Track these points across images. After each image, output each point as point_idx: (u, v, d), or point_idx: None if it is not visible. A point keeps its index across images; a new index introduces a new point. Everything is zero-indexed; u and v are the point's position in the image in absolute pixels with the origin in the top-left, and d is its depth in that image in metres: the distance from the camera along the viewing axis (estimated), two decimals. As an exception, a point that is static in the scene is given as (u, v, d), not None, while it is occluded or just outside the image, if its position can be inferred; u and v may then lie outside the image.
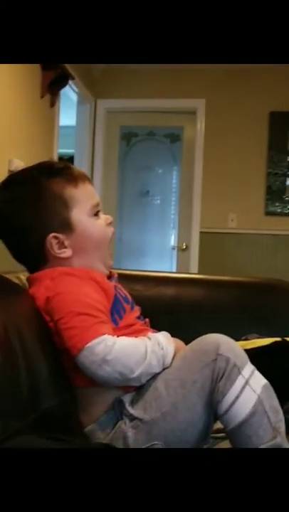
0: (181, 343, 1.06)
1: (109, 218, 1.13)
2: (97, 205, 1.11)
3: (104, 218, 1.12)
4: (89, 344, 0.92)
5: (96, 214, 1.10)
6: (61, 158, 3.86)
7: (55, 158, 3.49)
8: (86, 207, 1.08)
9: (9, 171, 2.68)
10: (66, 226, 1.06)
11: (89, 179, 1.12)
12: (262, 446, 0.89)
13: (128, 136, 4.45)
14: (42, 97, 3.19)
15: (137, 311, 1.14)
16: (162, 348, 0.99)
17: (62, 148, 3.71)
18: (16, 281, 1.20)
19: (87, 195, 1.09)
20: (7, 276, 1.12)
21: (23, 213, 1.05)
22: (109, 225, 1.13)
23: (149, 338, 1.00)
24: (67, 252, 1.06)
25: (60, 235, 1.05)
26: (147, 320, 1.15)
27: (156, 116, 4.39)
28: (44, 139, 3.36)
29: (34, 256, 1.08)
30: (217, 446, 1.02)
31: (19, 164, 2.69)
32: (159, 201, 4.45)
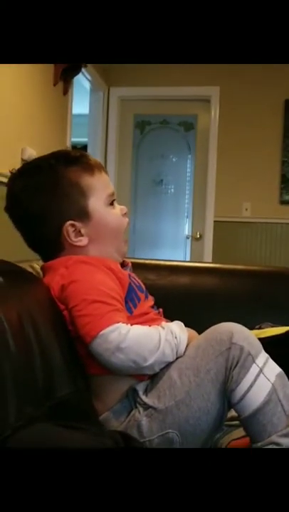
0: (194, 332, 1.06)
1: (124, 209, 1.13)
2: (113, 194, 1.11)
3: (119, 208, 1.12)
4: (103, 332, 0.92)
5: (111, 203, 1.10)
6: (74, 146, 3.85)
7: (69, 146, 3.48)
8: (102, 196, 1.08)
9: (22, 159, 2.68)
10: (83, 214, 1.06)
11: (104, 168, 1.12)
12: (276, 434, 0.90)
13: (142, 125, 4.43)
14: (55, 84, 3.18)
15: (151, 300, 1.14)
16: (176, 337, 0.99)
17: (75, 137, 3.70)
18: (30, 269, 1.20)
19: (103, 184, 1.09)
20: (21, 265, 1.12)
21: (40, 201, 1.05)
22: (124, 216, 1.13)
23: (163, 328, 1.00)
24: (83, 241, 1.06)
25: (77, 223, 1.05)
26: (161, 310, 1.15)
27: (169, 105, 4.37)
28: (57, 127, 3.35)
29: (50, 244, 1.08)
30: (231, 434, 1.02)
31: (32, 153, 2.69)
32: (173, 190, 4.44)
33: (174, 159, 4.45)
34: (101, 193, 1.08)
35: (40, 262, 1.14)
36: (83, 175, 1.06)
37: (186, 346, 1.00)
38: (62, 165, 1.06)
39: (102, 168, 1.11)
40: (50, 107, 3.19)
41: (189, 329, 1.05)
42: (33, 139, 2.88)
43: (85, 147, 4.28)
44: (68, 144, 3.49)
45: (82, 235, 1.06)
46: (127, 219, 1.14)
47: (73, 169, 1.06)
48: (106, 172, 1.12)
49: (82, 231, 1.06)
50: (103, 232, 1.08)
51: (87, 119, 4.31)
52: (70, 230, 1.05)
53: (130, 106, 4.39)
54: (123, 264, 1.13)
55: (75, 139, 3.71)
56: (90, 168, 1.08)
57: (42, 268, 1.12)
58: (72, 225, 1.05)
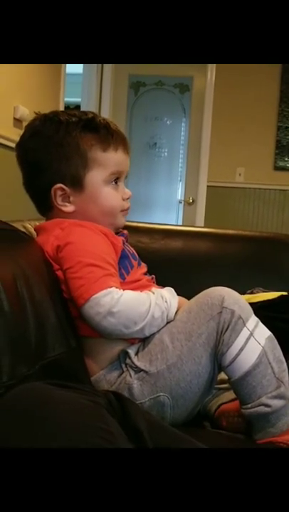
0: (184, 299, 1.06)
1: (128, 193, 1.10)
2: (117, 173, 1.06)
3: (122, 192, 1.09)
4: (95, 295, 0.92)
5: (116, 182, 1.07)
6: (67, 106, 3.79)
7: (62, 106, 3.42)
8: (104, 173, 1.04)
9: (14, 118, 2.63)
10: (77, 183, 1.04)
11: (125, 146, 1.07)
12: (266, 396, 0.91)
13: (136, 86, 4.34)
14: (49, 42, 3.09)
15: (144, 267, 1.13)
16: (166, 301, 0.99)
17: (69, 97, 3.63)
18: (22, 229, 1.19)
19: (112, 161, 1.05)
20: (13, 224, 1.11)
21: (42, 152, 1.03)
22: (126, 200, 1.10)
23: (153, 292, 1.00)
24: (69, 207, 1.05)
25: (67, 189, 1.03)
26: (153, 276, 1.15)
27: (165, 65, 4.25)
28: (51, 86, 3.28)
29: (40, 197, 1.07)
30: (221, 397, 1.04)
31: (24, 111, 2.65)
32: (166, 154, 4.39)
33: (168, 122, 4.38)
34: (104, 170, 1.04)
35: (33, 222, 1.13)
36: (95, 146, 1.03)
37: (177, 311, 1.00)
38: (80, 128, 1.03)
39: (121, 145, 1.06)
40: (43, 65, 3.11)
41: (180, 297, 1.05)
42: (26, 97, 2.82)
43: (78, 107, 4.20)
44: (62, 103, 3.43)
45: (69, 202, 1.05)
46: (127, 204, 1.10)
47: (88, 137, 1.03)
48: (126, 150, 1.07)
49: (71, 198, 1.04)
50: (91, 208, 1.05)
51: (81, 78, 4.22)
52: (59, 192, 1.04)
53: (125, 66, 4.28)
54: (117, 232, 1.12)
55: (68, 99, 3.64)
56: (107, 142, 1.04)
57: (35, 228, 1.11)
58: (62, 189, 1.03)
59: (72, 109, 3.64)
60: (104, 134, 1.05)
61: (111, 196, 1.06)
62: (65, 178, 1.03)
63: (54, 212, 1.06)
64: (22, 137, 1.08)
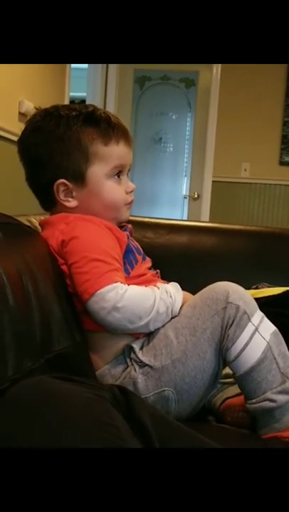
0: (189, 294, 1.06)
1: (131, 187, 1.09)
2: (119, 167, 1.06)
3: (125, 185, 1.08)
4: (100, 290, 0.93)
5: (118, 177, 1.07)
6: (72, 101, 3.78)
7: (67, 101, 3.42)
8: (106, 167, 1.04)
9: (20, 112, 2.63)
10: (79, 178, 1.03)
11: (127, 139, 1.07)
12: (271, 391, 0.92)
13: (142, 80, 4.33)
14: (54, 36, 3.09)
15: (148, 262, 1.13)
16: (170, 296, 0.99)
17: (74, 91, 3.62)
18: (27, 223, 1.19)
19: (114, 155, 1.04)
20: (18, 218, 1.11)
21: (43, 148, 1.03)
22: (129, 194, 1.09)
23: (158, 287, 1.01)
24: (72, 202, 1.05)
25: (69, 184, 1.03)
26: (158, 271, 1.15)
27: (170, 60, 4.25)
28: (56, 80, 3.28)
29: (43, 192, 1.07)
30: (225, 392, 1.04)
31: (30, 106, 2.64)
32: (172, 149, 4.38)
33: (173, 117, 4.37)
34: (106, 164, 1.04)
35: (38, 217, 1.13)
36: (96, 140, 1.03)
37: (181, 306, 1.01)
38: (80, 122, 1.02)
39: (123, 138, 1.05)
40: (48, 59, 3.11)
41: (184, 292, 1.05)
42: (31, 92, 2.82)
43: (83, 102, 4.19)
44: (67, 98, 3.42)
45: (72, 197, 1.04)
46: (131, 198, 1.10)
47: (89, 131, 1.03)
48: (128, 143, 1.07)
49: (74, 193, 1.04)
50: (94, 202, 1.05)
51: (86, 72, 4.21)
52: (61, 188, 1.04)
53: (130, 60, 4.27)
54: (121, 226, 1.12)
55: (73, 93, 3.64)
56: (108, 135, 1.03)
57: (40, 223, 1.11)
58: (64, 184, 1.03)
59: (78, 103, 3.63)
60: (105, 127, 1.04)
61: (113, 190, 1.06)
62: (67, 173, 1.03)
63: (57, 208, 1.06)
64: (23, 133, 1.07)
